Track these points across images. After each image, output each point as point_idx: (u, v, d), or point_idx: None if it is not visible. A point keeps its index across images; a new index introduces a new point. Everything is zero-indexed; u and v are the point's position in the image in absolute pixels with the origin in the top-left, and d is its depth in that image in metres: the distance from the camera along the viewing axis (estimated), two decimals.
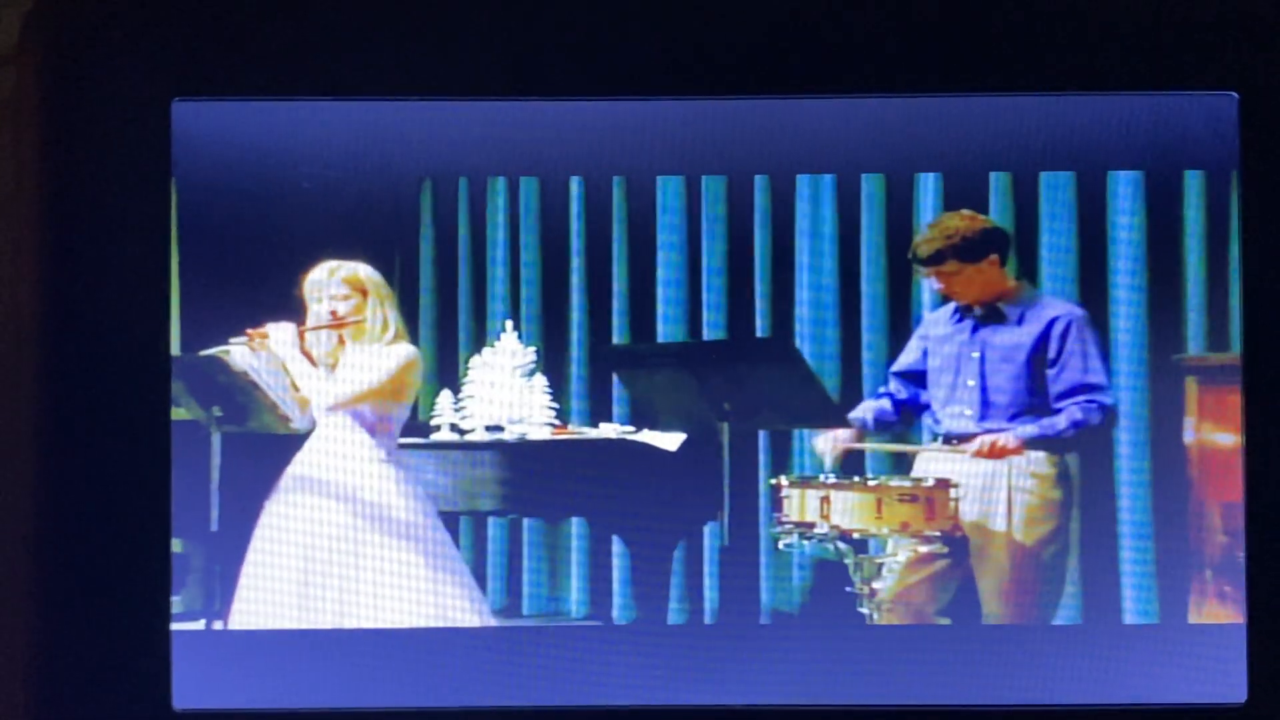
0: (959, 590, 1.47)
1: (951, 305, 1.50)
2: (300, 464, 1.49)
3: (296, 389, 1.50)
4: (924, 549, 1.48)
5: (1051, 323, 1.48)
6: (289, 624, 1.45)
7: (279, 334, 1.46)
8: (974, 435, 1.48)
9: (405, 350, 1.52)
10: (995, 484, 1.48)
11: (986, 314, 1.50)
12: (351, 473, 1.50)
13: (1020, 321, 1.49)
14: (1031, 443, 1.47)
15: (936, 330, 1.49)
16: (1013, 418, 1.48)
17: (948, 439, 1.49)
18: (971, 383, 1.49)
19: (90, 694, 1.40)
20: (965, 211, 1.46)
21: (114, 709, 1.40)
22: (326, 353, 1.51)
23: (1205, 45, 1.41)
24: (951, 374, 1.49)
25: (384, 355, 1.52)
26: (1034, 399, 1.48)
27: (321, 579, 1.46)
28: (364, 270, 1.48)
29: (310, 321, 1.48)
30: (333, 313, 1.49)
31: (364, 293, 1.49)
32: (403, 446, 1.52)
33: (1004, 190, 1.45)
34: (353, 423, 1.52)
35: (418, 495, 1.51)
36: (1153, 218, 1.44)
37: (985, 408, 1.48)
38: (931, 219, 1.46)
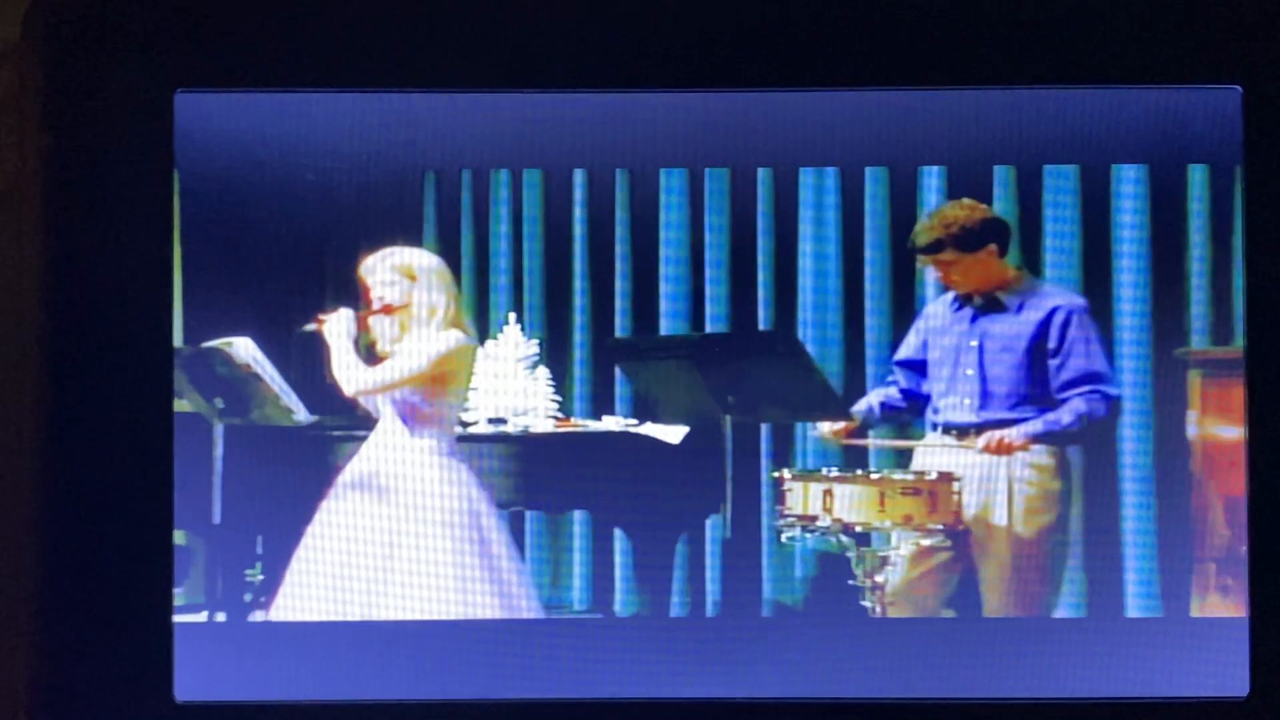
0: (961, 583, 1.47)
1: (950, 294, 1.50)
2: (360, 458, 1.49)
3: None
4: (926, 542, 1.48)
5: (1052, 312, 1.48)
6: (322, 617, 1.45)
7: (335, 320, 1.46)
8: (974, 425, 1.48)
9: (451, 337, 1.51)
10: (996, 475, 1.48)
11: (986, 303, 1.50)
12: (401, 465, 1.50)
13: (1020, 311, 1.49)
14: (1036, 437, 1.47)
15: (935, 320, 1.49)
16: (1012, 407, 1.48)
17: (947, 429, 1.49)
18: (970, 372, 1.49)
19: (92, 685, 1.40)
20: (966, 201, 1.46)
21: (116, 700, 1.40)
22: (392, 339, 1.51)
23: (1209, 39, 1.41)
24: (950, 364, 1.49)
25: (428, 342, 1.51)
26: (1034, 389, 1.48)
27: (358, 573, 1.46)
28: (416, 256, 1.47)
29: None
30: (379, 299, 1.48)
31: (413, 279, 1.49)
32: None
33: (1008, 183, 1.45)
34: (402, 414, 1.52)
35: (467, 488, 1.50)
36: (1156, 211, 1.44)
37: (985, 398, 1.48)
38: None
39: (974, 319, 1.50)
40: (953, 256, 1.48)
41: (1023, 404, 1.48)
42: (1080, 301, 1.46)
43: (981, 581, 1.47)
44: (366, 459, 1.50)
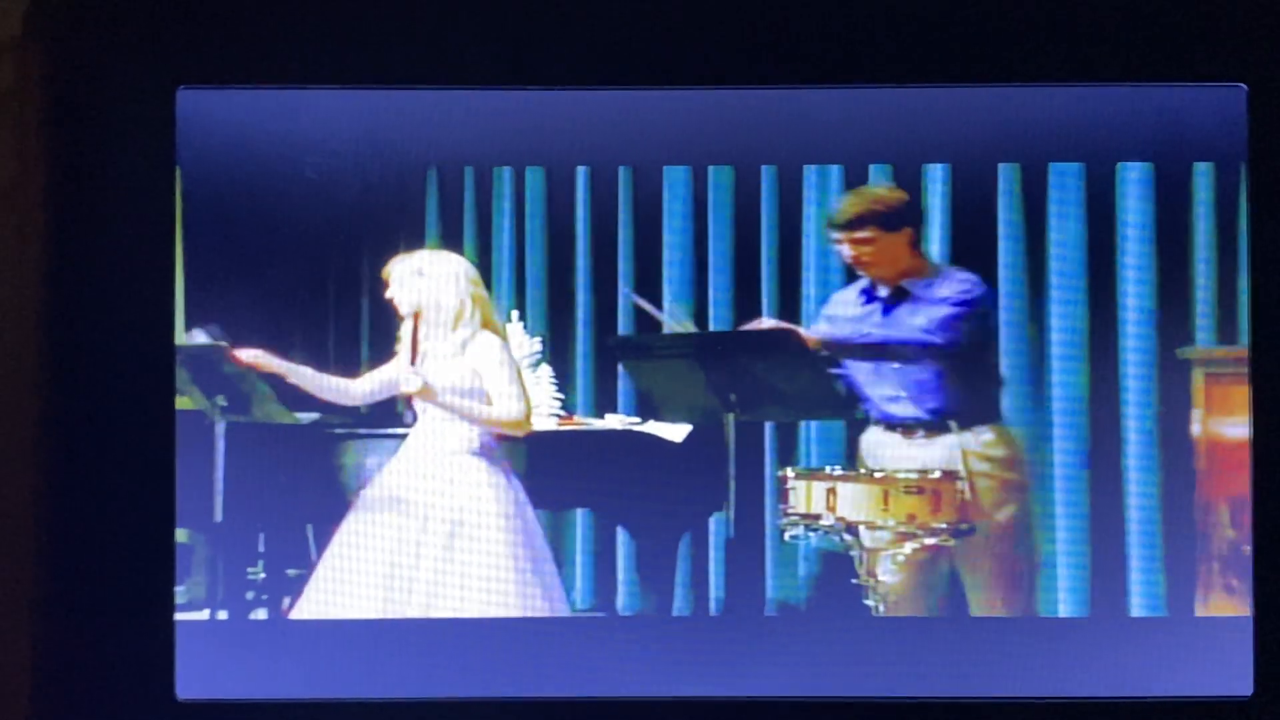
0: (963, 583, 1.47)
1: (857, 286, 1.48)
2: (399, 458, 1.49)
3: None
4: (930, 541, 1.48)
5: (953, 296, 1.46)
6: (348, 615, 1.45)
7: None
8: (913, 419, 1.46)
9: (484, 343, 1.50)
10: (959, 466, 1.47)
11: (894, 294, 1.48)
12: (440, 467, 1.50)
13: (928, 297, 1.47)
14: (975, 418, 1.45)
15: (846, 310, 1.48)
16: (945, 397, 1.46)
17: (890, 425, 1.47)
18: (896, 366, 1.48)
19: (94, 683, 1.40)
20: (887, 184, 1.45)
21: (118, 698, 1.40)
22: (421, 339, 1.50)
23: (1214, 37, 1.41)
24: (872, 359, 1.48)
25: (460, 355, 1.50)
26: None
27: (394, 572, 1.46)
28: (429, 260, 1.47)
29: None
30: (390, 298, 1.48)
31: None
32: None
33: (1013, 181, 1.45)
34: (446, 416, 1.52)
35: (508, 490, 1.50)
36: (1161, 209, 1.44)
37: (917, 388, 1.47)
38: (929, 210, 1.45)
39: (886, 311, 1.48)
40: (872, 234, 1.46)
41: (954, 391, 1.46)
42: (980, 288, 1.44)
43: (983, 581, 1.47)
44: (404, 459, 1.50)
